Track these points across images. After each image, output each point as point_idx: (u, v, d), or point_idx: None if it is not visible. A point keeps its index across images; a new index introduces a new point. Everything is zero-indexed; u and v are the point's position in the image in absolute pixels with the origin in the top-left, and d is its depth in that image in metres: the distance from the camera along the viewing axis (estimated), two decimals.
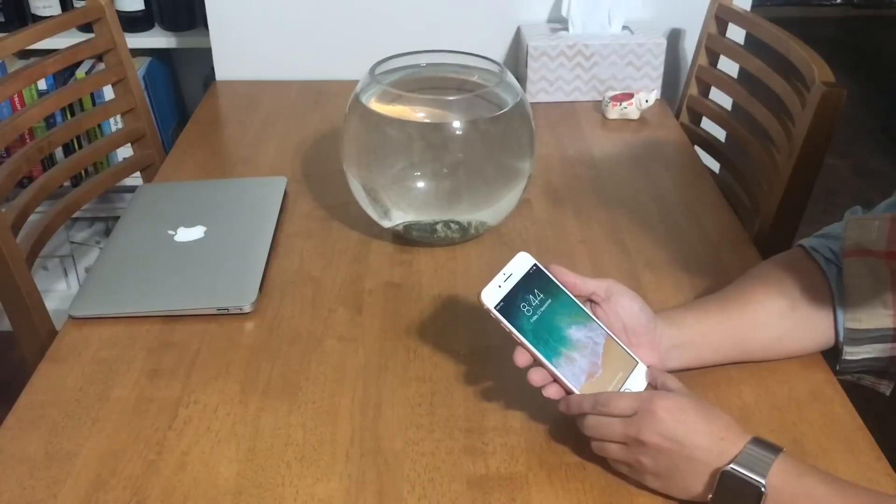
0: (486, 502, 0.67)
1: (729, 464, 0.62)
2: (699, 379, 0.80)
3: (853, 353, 0.78)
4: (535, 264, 0.73)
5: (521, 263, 0.72)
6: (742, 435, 0.64)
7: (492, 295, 0.69)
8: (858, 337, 0.77)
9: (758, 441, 0.64)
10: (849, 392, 0.79)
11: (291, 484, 0.69)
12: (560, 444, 0.72)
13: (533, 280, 0.72)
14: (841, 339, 0.79)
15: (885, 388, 0.80)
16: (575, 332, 0.71)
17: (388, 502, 0.67)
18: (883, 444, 0.73)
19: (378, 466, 0.70)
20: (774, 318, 0.79)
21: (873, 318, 0.76)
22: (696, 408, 0.65)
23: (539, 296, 0.71)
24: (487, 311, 0.69)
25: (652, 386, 0.71)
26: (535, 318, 0.70)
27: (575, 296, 0.73)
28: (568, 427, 0.73)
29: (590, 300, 0.75)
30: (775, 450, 0.63)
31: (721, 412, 0.66)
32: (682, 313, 0.80)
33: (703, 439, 0.63)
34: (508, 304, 0.69)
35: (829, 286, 0.79)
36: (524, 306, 0.70)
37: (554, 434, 0.73)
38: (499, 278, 0.70)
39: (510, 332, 0.69)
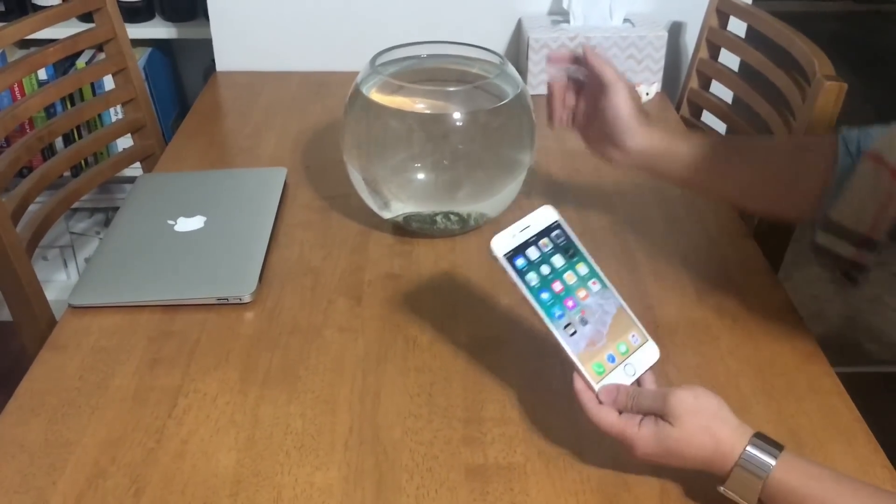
0: (484, 491, 0.68)
1: (720, 486, 0.63)
2: (697, 371, 0.80)
3: (821, 238, 0.81)
4: (557, 220, 0.71)
5: (542, 217, 0.70)
6: (733, 452, 0.62)
7: (503, 243, 0.67)
8: (831, 229, 0.79)
9: (748, 458, 0.62)
10: (847, 384, 0.79)
11: (290, 472, 0.69)
12: (558, 435, 0.72)
13: (552, 237, 0.70)
14: (819, 219, 0.81)
15: (850, 286, 0.82)
16: (585, 297, 0.69)
17: (386, 491, 0.67)
18: (880, 436, 0.73)
19: (377, 455, 0.71)
20: (769, 155, 0.86)
21: (853, 219, 0.78)
22: (677, 441, 0.63)
23: (554, 253, 0.70)
24: (495, 259, 0.67)
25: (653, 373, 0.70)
26: (544, 274, 0.68)
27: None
28: (566, 418, 0.73)
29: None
30: (766, 465, 0.61)
31: (706, 435, 0.63)
32: (675, 140, 0.88)
33: (692, 463, 0.64)
34: (519, 255, 0.68)
35: (833, 170, 0.80)
36: (535, 260, 0.68)
37: (552, 424, 0.73)
38: (515, 227, 0.68)
39: (514, 284, 0.67)
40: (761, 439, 0.62)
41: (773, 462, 0.61)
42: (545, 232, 0.70)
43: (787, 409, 0.76)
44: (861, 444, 0.72)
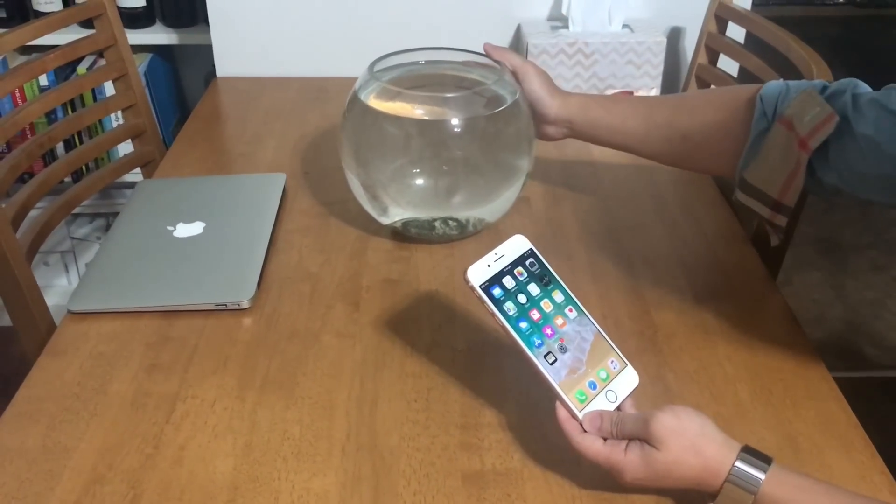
0: (481, 497, 0.68)
1: (711, 501, 0.62)
2: (695, 377, 0.80)
3: (740, 196, 0.84)
4: (530, 249, 0.71)
5: (515, 246, 0.71)
6: (721, 468, 0.61)
7: (479, 273, 0.68)
8: (746, 189, 0.83)
9: (737, 474, 0.61)
10: (844, 390, 0.79)
11: (287, 479, 0.69)
12: (555, 441, 0.72)
13: (526, 265, 0.71)
14: (736, 178, 0.85)
15: (774, 240, 0.86)
16: (563, 325, 0.70)
17: (383, 497, 0.67)
18: (881, 442, 0.73)
19: (374, 461, 0.71)
20: (690, 116, 0.90)
21: (765, 182, 0.81)
22: (665, 463, 0.63)
23: (530, 282, 0.70)
24: (472, 289, 0.67)
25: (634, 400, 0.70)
26: (521, 303, 0.68)
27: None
28: None
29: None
30: (756, 479, 0.61)
31: (693, 454, 0.63)
32: (591, 106, 0.97)
33: (682, 484, 0.64)
34: (495, 285, 0.68)
35: (748, 130, 0.83)
36: (511, 290, 0.69)
37: (549, 430, 0.73)
38: (489, 257, 0.69)
39: (492, 314, 0.67)
40: (749, 453, 0.62)
41: (762, 476, 0.61)
42: (519, 261, 0.71)
43: (785, 414, 0.76)
44: (858, 450, 0.72)
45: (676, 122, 0.91)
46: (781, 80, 0.84)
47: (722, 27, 1.34)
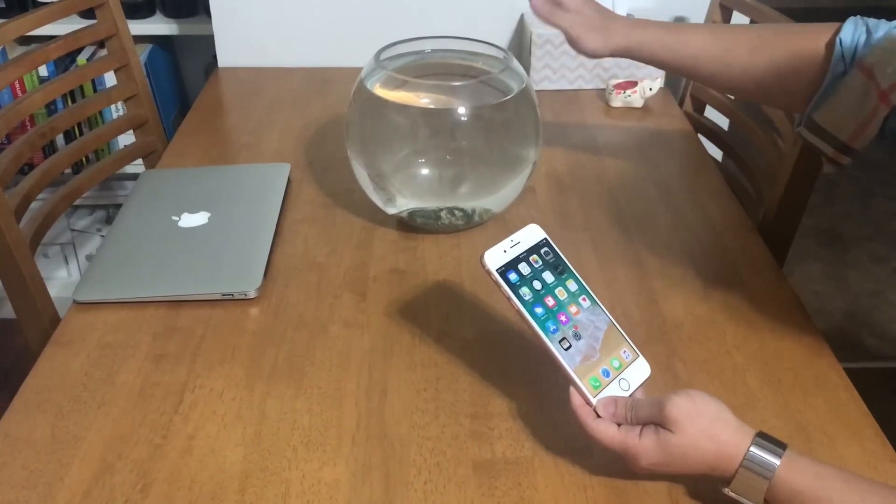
0: (492, 486, 0.67)
1: (724, 487, 0.63)
2: (704, 366, 0.80)
3: (804, 133, 0.84)
4: (545, 238, 0.72)
5: (530, 234, 0.71)
6: (736, 453, 0.61)
7: (495, 258, 0.68)
8: (814, 129, 0.83)
9: (752, 459, 0.61)
10: (854, 379, 0.79)
11: (298, 468, 0.69)
12: (566, 430, 0.72)
13: (541, 253, 0.71)
14: (802, 114, 0.84)
15: (828, 168, 0.87)
16: (577, 313, 0.70)
17: (394, 486, 0.67)
18: (888, 430, 0.73)
19: (384, 451, 0.70)
20: (765, 54, 0.87)
21: (835, 126, 0.80)
22: (680, 447, 0.63)
23: (544, 270, 0.70)
24: (488, 273, 0.68)
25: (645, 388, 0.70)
26: (536, 289, 0.69)
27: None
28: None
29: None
30: (771, 465, 0.60)
31: (708, 438, 0.62)
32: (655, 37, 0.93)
33: (697, 468, 0.63)
34: (511, 271, 0.68)
35: (824, 73, 0.82)
36: (527, 276, 0.69)
37: (560, 419, 0.73)
38: (505, 243, 0.70)
39: (508, 299, 0.68)
40: (764, 439, 0.62)
41: (777, 462, 0.60)
42: (534, 249, 0.71)
43: (795, 403, 0.76)
44: (868, 439, 0.72)
45: (752, 65, 0.88)
46: (859, 17, 0.83)
47: (726, 16, 1.34)
